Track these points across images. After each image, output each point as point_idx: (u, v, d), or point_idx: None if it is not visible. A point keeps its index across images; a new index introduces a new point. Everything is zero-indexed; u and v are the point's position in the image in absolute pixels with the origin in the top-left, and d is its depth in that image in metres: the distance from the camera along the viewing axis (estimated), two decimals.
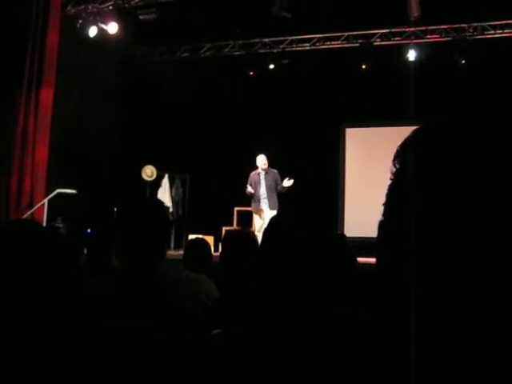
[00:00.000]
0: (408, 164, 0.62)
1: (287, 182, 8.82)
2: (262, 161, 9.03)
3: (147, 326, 1.84)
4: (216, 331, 1.53)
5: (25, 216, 8.28)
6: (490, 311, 0.55)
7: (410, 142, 0.64)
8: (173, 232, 11.56)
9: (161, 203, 2.35)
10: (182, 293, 2.02)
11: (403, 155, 0.64)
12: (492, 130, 0.60)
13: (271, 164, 9.30)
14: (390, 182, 0.65)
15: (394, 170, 0.65)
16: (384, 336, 0.66)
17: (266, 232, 1.75)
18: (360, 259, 3.28)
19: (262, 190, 8.90)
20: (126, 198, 2.43)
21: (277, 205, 8.82)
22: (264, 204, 8.88)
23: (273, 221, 1.80)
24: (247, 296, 1.76)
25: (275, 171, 8.98)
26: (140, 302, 1.92)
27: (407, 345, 0.58)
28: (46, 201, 8.39)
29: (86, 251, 4.03)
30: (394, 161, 0.65)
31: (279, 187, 8.81)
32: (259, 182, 8.95)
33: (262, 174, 8.99)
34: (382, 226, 0.66)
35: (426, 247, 0.58)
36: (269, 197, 8.83)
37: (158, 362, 1.77)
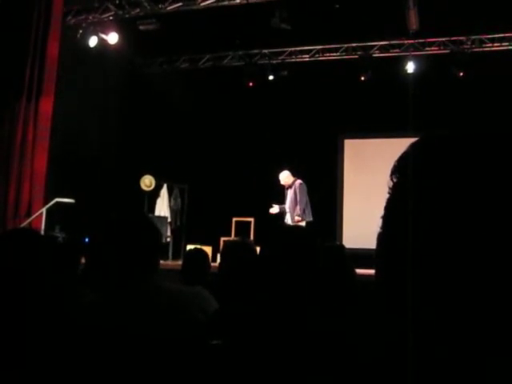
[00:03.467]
0: (406, 178, 0.62)
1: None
2: (280, 179, 9.13)
3: (143, 342, 1.83)
4: (215, 342, 1.53)
5: (23, 225, 8.26)
6: (487, 320, 0.56)
7: (407, 156, 0.65)
8: (171, 242, 11.55)
9: (146, 218, 2.31)
10: (176, 309, 2.01)
11: (401, 169, 0.65)
12: (490, 143, 0.61)
13: (266, 175, 9.37)
14: (388, 195, 0.66)
15: (392, 183, 0.65)
16: (384, 347, 0.67)
17: (265, 243, 1.75)
18: (359, 270, 3.29)
19: (287, 205, 9.05)
20: (105, 218, 2.33)
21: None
22: (287, 218, 8.98)
23: (272, 232, 1.80)
24: (246, 306, 1.76)
25: (297, 183, 8.99)
26: (134, 319, 1.91)
27: (406, 355, 0.58)
28: (44, 210, 8.37)
29: (83, 260, 4.02)
30: (391, 175, 0.66)
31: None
32: (285, 198, 9.08)
33: (287, 189, 9.09)
34: (381, 238, 0.66)
35: (424, 260, 0.58)
36: (290, 211, 8.91)
37: (156, 377, 1.76)
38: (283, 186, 9.14)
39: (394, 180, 0.65)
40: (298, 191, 8.85)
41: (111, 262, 2.04)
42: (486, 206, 0.56)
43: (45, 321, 1.80)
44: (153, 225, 2.14)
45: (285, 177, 9.07)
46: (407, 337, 0.58)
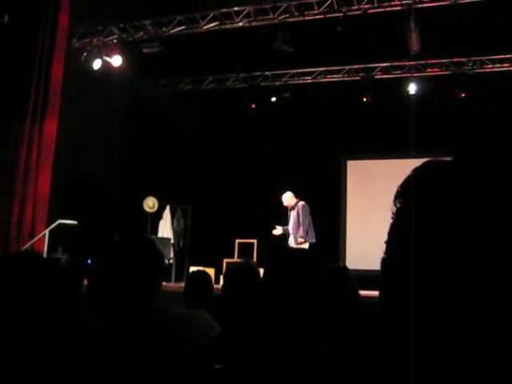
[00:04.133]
0: (409, 203, 0.62)
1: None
2: (283, 200, 9.07)
3: (144, 366, 1.82)
4: (218, 366, 1.52)
5: (25, 246, 8.26)
6: (490, 348, 0.55)
7: (410, 181, 0.65)
8: (174, 264, 11.52)
9: (148, 240, 2.29)
10: (178, 332, 1.99)
11: (404, 194, 0.64)
12: (494, 169, 0.61)
13: (269, 197, 9.34)
14: (391, 220, 0.66)
15: (396, 209, 0.65)
16: (387, 368, 0.66)
17: (268, 265, 1.75)
18: (362, 292, 3.26)
19: (289, 226, 8.97)
20: (107, 240, 2.33)
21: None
22: (290, 240, 8.94)
23: (276, 254, 1.80)
24: (249, 330, 1.75)
25: (300, 205, 8.93)
26: (135, 342, 1.90)
27: (410, 377, 0.58)
28: (47, 231, 8.37)
29: (86, 282, 4.01)
30: (395, 200, 0.65)
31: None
32: (288, 219, 9.03)
33: (290, 210, 9.05)
34: (385, 264, 0.66)
35: (428, 285, 0.58)
36: (293, 232, 8.85)
37: None
38: (286, 208, 9.11)
39: (398, 205, 0.65)
40: (300, 213, 8.82)
41: (113, 284, 2.03)
42: (490, 231, 0.56)
43: (47, 343, 1.79)
44: (155, 247, 2.14)
45: (287, 198, 9.05)
46: (410, 359, 0.58)
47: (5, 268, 1.89)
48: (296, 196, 9.09)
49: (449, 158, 0.65)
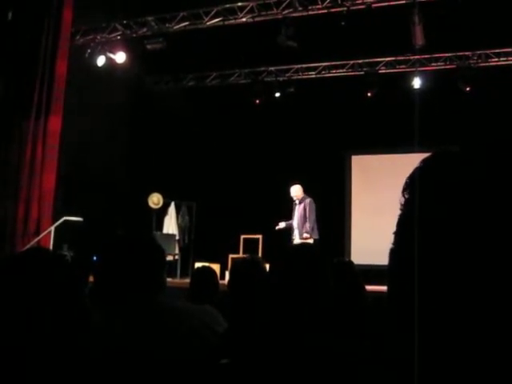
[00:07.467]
0: (416, 194, 0.62)
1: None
2: (291, 191, 9.05)
3: (150, 362, 1.82)
4: (225, 361, 1.52)
5: (31, 243, 8.28)
6: (498, 343, 0.55)
7: (418, 173, 0.64)
8: (179, 260, 11.53)
9: (150, 236, 2.31)
10: (184, 327, 1.99)
11: (412, 186, 0.64)
12: (501, 159, 0.60)
13: (274, 192, 9.29)
14: (399, 211, 0.65)
15: (404, 200, 0.65)
16: (394, 365, 0.66)
17: (275, 261, 1.75)
18: (367, 287, 3.26)
19: (294, 220, 8.94)
20: (110, 237, 2.36)
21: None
22: (295, 234, 8.91)
23: (282, 250, 1.79)
24: (257, 326, 1.75)
25: (307, 200, 8.92)
26: (142, 338, 1.90)
27: (411, 377, 0.58)
28: (52, 228, 8.39)
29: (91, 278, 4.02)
30: (403, 191, 0.65)
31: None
32: (293, 213, 9.00)
33: (296, 203, 9.02)
34: (393, 255, 0.65)
35: (437, 276, 0.58)
36: (299, 227, 8.82)
37: None
38: (291, 201, 9.09)
39: (406, 196, 0.65)
40: (307, 208, 8.81)
41: (117, 280, 2.04)
42: (499, 221, 0.56)
43: (55, 340, 1.79)
44: (156, 242, 2.15)
45: (296, 190, 9.02)
46: (417, 354, 0.57)
47: (16, 266, 1.90)
48: (303, 191, 9.09)
49: (456, 150, 0.64)
